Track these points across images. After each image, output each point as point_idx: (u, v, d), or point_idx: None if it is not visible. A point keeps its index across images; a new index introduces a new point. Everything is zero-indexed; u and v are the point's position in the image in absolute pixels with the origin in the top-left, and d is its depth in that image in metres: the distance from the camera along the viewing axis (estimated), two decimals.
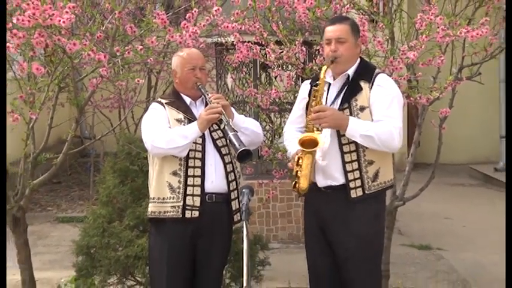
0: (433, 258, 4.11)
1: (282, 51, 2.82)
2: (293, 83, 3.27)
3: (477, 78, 3.13)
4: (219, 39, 3.80)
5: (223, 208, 2.31)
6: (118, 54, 2.48)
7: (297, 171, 2.24)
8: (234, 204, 2.32)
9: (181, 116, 2.31)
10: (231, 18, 2.72)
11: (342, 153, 2.20)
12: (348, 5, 2.75)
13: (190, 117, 2.30)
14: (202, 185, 2.25)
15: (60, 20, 2.11)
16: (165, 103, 2.35)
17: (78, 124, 2.80)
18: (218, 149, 2.31)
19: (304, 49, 2.89)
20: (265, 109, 3.28)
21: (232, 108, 2.36)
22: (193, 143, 2.25)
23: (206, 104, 2.29)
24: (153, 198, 2.31)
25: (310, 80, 2.37)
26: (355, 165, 2.20)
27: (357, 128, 2.15)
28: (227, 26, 2.69)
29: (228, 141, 2.25)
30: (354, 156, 2.20)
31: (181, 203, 2.24)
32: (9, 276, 3.30)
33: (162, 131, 2.26)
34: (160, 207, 2.28)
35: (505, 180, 6.14)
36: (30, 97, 2.48)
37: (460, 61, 3.05)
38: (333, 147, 2.23)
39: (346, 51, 2.22)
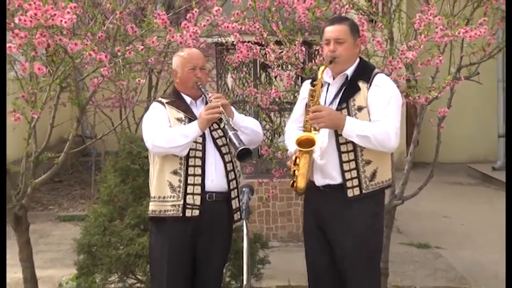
0: (432, 257, 4.11)
1: (282, 51, 2.83)
2: (293, 82, 3.29)
3: (475, 78, 3.14)
4: (220, 39, 3.81)
5: (223, 207, 2.32)
6: (119, 54, 2.49)
7: (294, 170, 2.26)
8: (234, 203, 2.33)
9: (181, 115, 2.32)
10: (231, 19, 2.73)
11: (340, 152, 2.22)
12: (347, 5, 2.76)
13: (191, 117, 2.31)
14: (202, 184, 2.27)
15: (61, 20, 2.11)
16: (166, 102, 2.36)
17: (79, 123, 2.80)
18: (218, 148, 2.32)
19: (303, 49, 2.90)
20: (265, 108, 3.30)
21: (232, 108, 2.37)
22: (194, 142, 2.26)
23: (206, 104, 2.31)
24: (154, 197, 2.33)
25: (311, 80, 2.38)
26: (353, 164, 2.21)
27: (353, 128, 2.16)
28: (227, 26, 2.71)
29: (228, 140, 2.26)
30: (352, 156, 2.21)
31: (181, 202, 2.25)
32: (11, 274, 3.33)
33: (163, 130, 2.27)
34: (161, 206, 2.29)
35: (502, 179, 6.18)
36: (32, 97, 2.49)
37: (459, 61, 3.06)
38: (330, 147, 2.24)
39: (344, 52, 2.23)
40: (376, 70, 2.33)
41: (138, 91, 4.53)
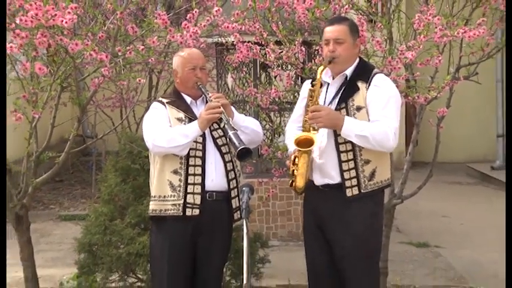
0: (431, 256, 4.12)
1: (282, 51, 2.84)
2: (292, 82, 3.30)
3: (474, 78, 3.15)
4: (220, 39, 3.82)
5: (223, 206, 2.33)
6: (120, 54, 2.50)
7: (293, 170, 2.27)
8: (234, 203, 2.34)
9: (182, 115, 2.33)
10: (231, 19, 2.74)
11: (339, 152, 2.22)
12: (346, 6, 2.77)
13: (191, 117, 2.32)
14: (202, 183, 2.27)
15: (62, 21, 2.12)
16: (166, 102, 2.37)
17: (80, 123, 2.81)
18: (218, 147, 2.33)
19: (303, 49, 2.91)
20: (265, 108, 3.31)
21: (232, 107, 2.38)
22: (194, 141, 2.27)
23: (207, 103, 2.31)
24: (154, 197, 2.33)
25: (311, 80, 2.39)
26: (352, 164, 2.22)
27: (352, 128, 2.16)
28: (227, 27, 2.72)
29: (228, 139, 2.26)
30: (351, 156, 2.21)
31: (182, 201, 2.26)
32: (12, 273, 3.35)
33: (163, 130, 2.28)
34: (161, 205, 2.30)
35: (501, 178, 6.20)
36: (33, 96, 2.50)
37: (458, 61, 3.07)
38: (329, 146, 2.25)
39: (344, 52, 2.24)
40: (376, 70, 2.33)
41: (138, 91, 4.54)
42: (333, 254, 2.28)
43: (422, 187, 3.31)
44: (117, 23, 2.52)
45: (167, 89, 4.61)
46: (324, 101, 2.29)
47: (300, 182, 2.26)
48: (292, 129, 2.41)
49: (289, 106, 3.55)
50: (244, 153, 2.18)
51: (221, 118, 2.25)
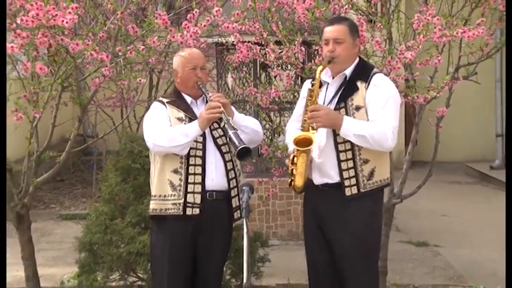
0: (430, 255, 4.13)
1: (282, 51, 2.85)
2: (292, 82, 3.31)
3: (473, 78, 3.16)
4: (220, 39, 3.83)
5: (223, 205, 2.33)
6: (120, 54, 2.50)
7: (292, 169, 2.28)
8: (234, 202, 2.35)
9: (182, 114, 2.34)
10: (232, 19, 2.75)
11: (337, 151, 2.23)
12: (346, 6, 2.77)
13: (191, 116, 2.33)
14: (202, 183, 2.28)
15: (63, 21, 2.13)
16: (167, 102, 2.38)
17: (81, 123, 2.83)
18: (218, 147, 2.34)
19: (303, 49, 2.92)
20: (264, 108, 3.32)
21: (232, 107, 2.39)
22: (194, 141, 2.28)
23: (207, 103, 2.32)
24: (155, 196, 2.34)
25: (311, 80, 2.40)
26: (350, 163, 2.22)
27: (350, 128, 2.17)
28: (227, 27, 2.72)
29: (228, 139, 2.27)
30: (349, 155, 2.22)
31: (182, 201, 2.27)
32: (13, 272, 3.35)
33: (164, 129, 2.28)
34: (162, 204, 2.31)
35: (500, 178, 6.22)
36: (33, 96, 2.52)
37: (457, 61, 3.08)
38: (328, 146, 2.25)
39: (343, 52, 2.25)
40: (375, 70, 2.34)
41: (139, 91, 4.55)
42: (332, 253, 2.29)
43: (422, 186, 3.32)
44: (117, 23, 2.53)
45: (167, 88, 4.61)
46: (324, 101, 2.30)
47: (298, 181, 2.27)
48: (293, 129, 2.42)
49: (289, 106, 3.56)
50: (244, 153, 2.18)
51: (221, 118, 2.25)
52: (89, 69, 2.78)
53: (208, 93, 2.34)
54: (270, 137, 4.22)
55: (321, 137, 2.26)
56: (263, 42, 2.90)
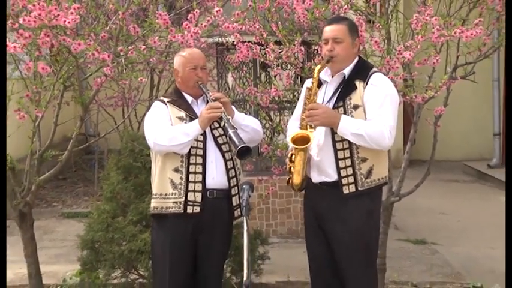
0: (428, 252, 4.15)
1: (281, 51, 2.86)
2: (292, 82, 3.34)
3: (471, 78, 3.18)
4: (220, 39, 3.85)
5: (224, 204, 2.35)
6: (121, 53, 2.52)
7: (290, 167, 2.29)
8: (235, 200, 2.37)
9: (183, 114, 2.35)
10: (232, 19, 2.76)
11: (335, 150, 2.24)
12: (345, 6, 2.78)
13: (192, 115, 2.35)
14: (203, 181, 2.30)
15: (65, 21, 2.15)
16: (167, 101, 2.39)
17: (82, 122, 2.83)
18: (219, 146, 2.35)
19: (302, 49, 2.94)
20: (264, 107, 3.34)
21: (232, 106, 2.40)
22: (195, 140, 2.29)
23: (207, 103, 2.34)
24: (156, 194, 2.36)
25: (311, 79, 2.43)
26: (348, 162, 2.23)
27: (347, 127, 2.18)
28: (228, 27, 2.74)
29: (228, 138, 2.29)
30: (347, 153, 2.23)
31: (183, 199, 2.28)
32: (16, 270, 3.38)
33: (165, 128, 2.30)
34: (163, 203, 2.32)
35: (497, 176, 6.26)
36: (36, 96, 2.53)
37: (455, 61, 3.09)
38: (326, 144, 2.26)
39: (342, 51, 2.26)
40: (374, 69, 2.35)
41: (140, 90, 4.55)
42: (332, 251, 2.30)
43: (420, 185, 3.33)
44: (119, 23, 2.54)
45: (168, 88, 4.61)
46: (323, 100, 2.32)
47: (296, 179, 2.29)
48: (293, 127, 2.43)
49: (288, 105, 3.58)
50: (244, 152, 2.20)
51: (221, 117, 2.27)
52: (91, 69, 2.79)
53: (208, 93, 2.35)
54: (269, 136, 4.24)
55: (319, 136, 2.28)
56: (263, 42, 2.92)
